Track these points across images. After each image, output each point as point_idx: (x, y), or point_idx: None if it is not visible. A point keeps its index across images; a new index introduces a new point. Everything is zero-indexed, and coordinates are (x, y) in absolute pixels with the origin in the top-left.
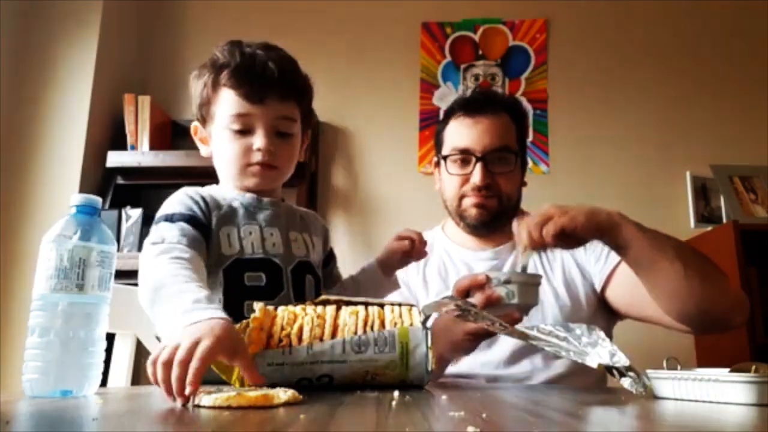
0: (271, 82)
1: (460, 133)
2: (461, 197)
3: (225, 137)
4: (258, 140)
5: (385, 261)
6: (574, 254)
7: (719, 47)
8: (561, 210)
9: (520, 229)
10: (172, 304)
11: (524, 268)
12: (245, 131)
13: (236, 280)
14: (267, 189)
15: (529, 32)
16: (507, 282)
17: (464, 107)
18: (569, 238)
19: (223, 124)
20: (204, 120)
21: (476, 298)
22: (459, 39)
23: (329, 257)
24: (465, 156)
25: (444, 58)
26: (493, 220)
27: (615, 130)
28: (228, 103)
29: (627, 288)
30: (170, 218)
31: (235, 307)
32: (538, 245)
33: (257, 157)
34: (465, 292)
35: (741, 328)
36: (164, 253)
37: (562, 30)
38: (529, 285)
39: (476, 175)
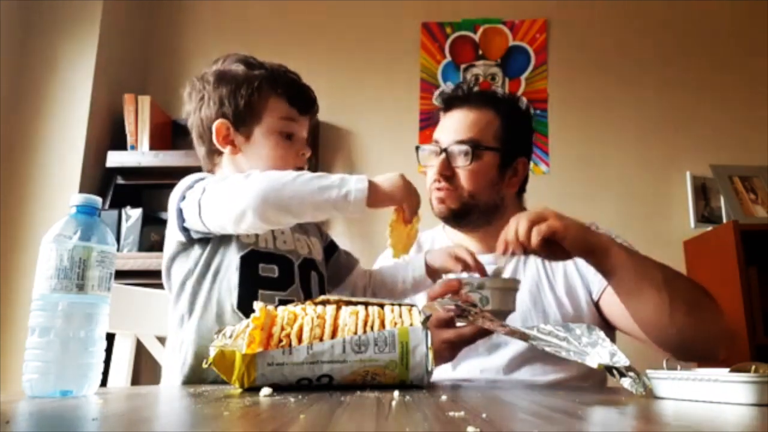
0: (312, 99)
1: (438, 127)
2: (431, 190)
3: (271, 140)
4: (301, 146)
5: (434, 271)
6: (575, 260)
7: (719, 47)
8: (557, 214)
9: (509, 225)
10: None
11: (497, 272)
12: (290, 135)
13: (251, 270)
14: None
15: (529, 32)
16: (481, 287)
17: (443, 102)
18: (555, 249)
19: (271, 128)
20: (241, 122)
21: None
22: (459, 39)
23: (331, 248)
24: (437, 149)
25: (444, 58)
26: (455, 216)
27: (615, 130)
28: (280, 109)
29: (619, 304)
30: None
31: (249, 295)
32: (523, 245)
33: (299, 162)
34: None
35: (740, 331)
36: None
37: (562, 30)
38: (505, 290)
39: (434, 167)
